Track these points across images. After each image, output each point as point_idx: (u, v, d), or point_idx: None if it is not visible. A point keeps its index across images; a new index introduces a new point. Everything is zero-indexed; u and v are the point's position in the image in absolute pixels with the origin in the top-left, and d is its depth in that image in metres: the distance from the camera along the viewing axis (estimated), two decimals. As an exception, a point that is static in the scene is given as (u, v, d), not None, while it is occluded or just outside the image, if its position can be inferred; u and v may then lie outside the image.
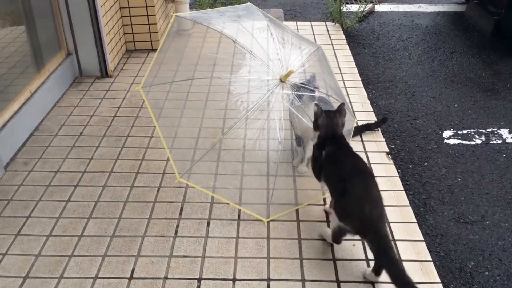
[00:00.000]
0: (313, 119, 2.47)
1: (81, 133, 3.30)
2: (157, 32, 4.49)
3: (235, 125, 2.70)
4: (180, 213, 2.61)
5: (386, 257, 2.05)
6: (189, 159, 2.99)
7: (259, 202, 2.68)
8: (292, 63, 2.64)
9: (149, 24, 4.44)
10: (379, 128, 3.35)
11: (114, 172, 2.92)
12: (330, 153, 2.36)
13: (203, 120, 3.40)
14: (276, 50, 2.67)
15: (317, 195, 2.73)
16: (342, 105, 2.46)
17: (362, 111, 3.57)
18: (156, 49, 4.49)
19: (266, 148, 3.08)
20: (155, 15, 4.39)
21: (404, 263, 2.29)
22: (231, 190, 2.77)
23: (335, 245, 2.39)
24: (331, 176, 2.35)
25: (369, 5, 5.74)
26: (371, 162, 3.01)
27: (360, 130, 3.27)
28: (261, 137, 3.06)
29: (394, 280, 1.99)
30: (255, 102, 2.59)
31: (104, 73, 4.04)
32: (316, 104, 2.44)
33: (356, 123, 3.23)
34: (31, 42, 3.62)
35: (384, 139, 3.27)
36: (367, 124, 3.32)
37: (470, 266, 2.59)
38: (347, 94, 3.75)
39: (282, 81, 2.56)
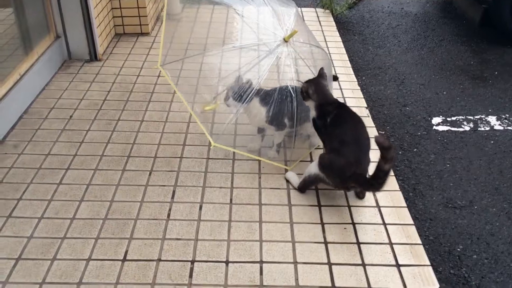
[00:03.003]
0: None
1: (71, 116, 3.27)
2: (146, 16, 4.44)
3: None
4: (173, 197, 2.61)
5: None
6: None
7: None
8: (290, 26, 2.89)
9: (138, 7, 4.39)
10: (368, 113, 3.39)
11: (105, 155, 2.91)
12: (336, 116, 2.54)
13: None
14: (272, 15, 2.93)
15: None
16: (321, 69, 2.68)
17: (352, 97, 3.59)
18: (145, 33, 4.49)
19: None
20: (144, -2, 4.35)
21: (394, 246, 2.34)
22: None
23: (326, 229, 2.42)
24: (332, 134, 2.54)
25: (359, -8, 5.74)
26: (361, 147, 3.03)
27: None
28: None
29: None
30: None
31: (93, 56, 4.00)
32: (299, 81, 2.69)
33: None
34: (19, 24, 3.57)
35: (374, 125, 3.29)
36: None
37: (458, 249, 2.63)
38: (338, 80, 3.76)
39: (285, 40, 2.77)
